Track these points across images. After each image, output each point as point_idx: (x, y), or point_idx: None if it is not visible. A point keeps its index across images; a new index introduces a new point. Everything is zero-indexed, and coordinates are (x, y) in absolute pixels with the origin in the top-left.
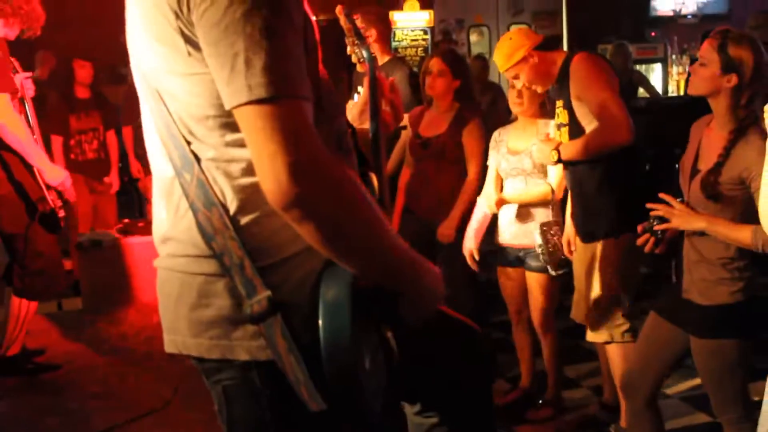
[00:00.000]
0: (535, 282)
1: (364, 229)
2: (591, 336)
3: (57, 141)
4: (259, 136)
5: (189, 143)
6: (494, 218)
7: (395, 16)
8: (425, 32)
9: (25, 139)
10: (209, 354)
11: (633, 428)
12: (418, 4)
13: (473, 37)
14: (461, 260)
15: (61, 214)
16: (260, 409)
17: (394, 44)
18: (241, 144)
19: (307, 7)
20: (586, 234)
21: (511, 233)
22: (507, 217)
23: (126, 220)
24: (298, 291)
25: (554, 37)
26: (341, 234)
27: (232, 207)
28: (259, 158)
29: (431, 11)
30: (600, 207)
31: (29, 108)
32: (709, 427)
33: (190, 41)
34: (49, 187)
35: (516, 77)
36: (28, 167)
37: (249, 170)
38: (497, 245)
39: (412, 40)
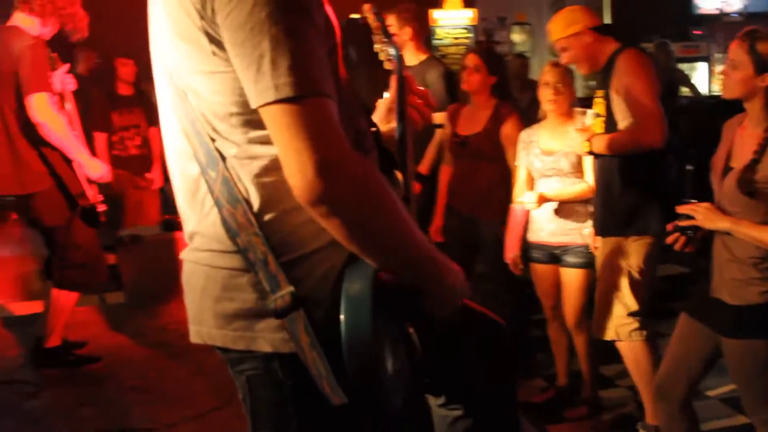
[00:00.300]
0: (571, 279)
1: (388, 225)
2: (598, 333)
3: (100, 138)
4: (285, 134)
5: (213, 140)
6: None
7: (436, 14)
8: (468, 30)
9: (64, 135)
10: (234, 345)
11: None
12: (460, 2)
13: (516, 37)
14: (504, 259)
15: (101, 208)
16: (282, 399)
17: (435, 42)
18: (263, 141)
19: (328, 9)
20: (603, 228)
21: (549, 231)
22: (544, 215)
23: (168, 216)
24: (320, 286)
25: (612, 26)
26: (366, 230)
27: (256, 203)
28: (286, 156)
29: (475, 10)
30: (620, 204)
31: (71, 103)
32: (748, 429)
33: (215, 41)
34: (90, 181)
35: (564, 50)
36: (68, 162)
37: (271, 167)
38: (529, 243)
39: (455, 39)
